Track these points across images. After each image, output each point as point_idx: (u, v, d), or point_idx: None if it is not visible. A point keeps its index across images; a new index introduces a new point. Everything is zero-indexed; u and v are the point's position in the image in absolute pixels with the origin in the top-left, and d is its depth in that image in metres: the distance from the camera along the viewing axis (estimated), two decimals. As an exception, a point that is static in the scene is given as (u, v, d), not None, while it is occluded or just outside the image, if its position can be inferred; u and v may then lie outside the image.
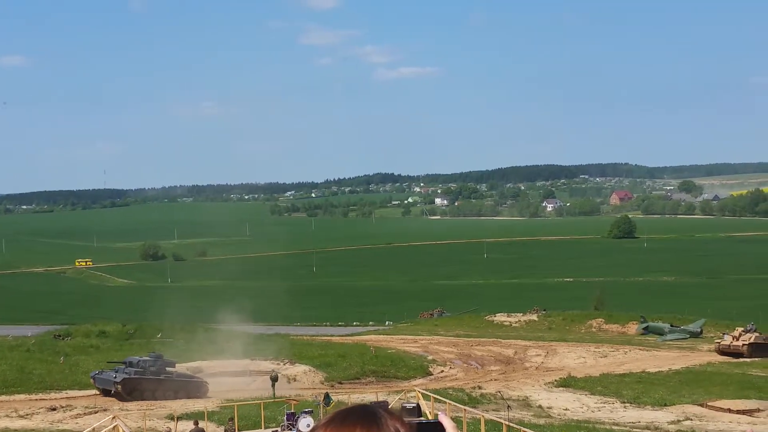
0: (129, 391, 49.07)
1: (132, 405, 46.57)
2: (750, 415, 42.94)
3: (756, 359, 65.66)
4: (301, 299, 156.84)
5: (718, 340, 71.75)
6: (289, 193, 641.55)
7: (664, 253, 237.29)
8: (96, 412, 43.27)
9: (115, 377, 49.15)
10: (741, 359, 65.36)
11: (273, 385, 49.65)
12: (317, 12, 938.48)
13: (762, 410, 43.40)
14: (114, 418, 35.42)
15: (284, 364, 57.58)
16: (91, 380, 51.15)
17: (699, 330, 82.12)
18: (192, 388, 50.72)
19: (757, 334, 69.65)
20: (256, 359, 59.91)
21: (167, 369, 51.00)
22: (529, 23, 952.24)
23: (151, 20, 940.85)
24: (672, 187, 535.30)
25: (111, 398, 48.30)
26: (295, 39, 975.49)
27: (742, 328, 71.40)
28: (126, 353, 58.61)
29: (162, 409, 44.49)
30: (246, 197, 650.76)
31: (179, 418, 38.98)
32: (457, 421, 35.82)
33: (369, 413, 2.67)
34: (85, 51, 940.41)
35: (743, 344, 68.06)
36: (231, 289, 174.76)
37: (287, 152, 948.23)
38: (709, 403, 45.01)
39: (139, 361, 50.86)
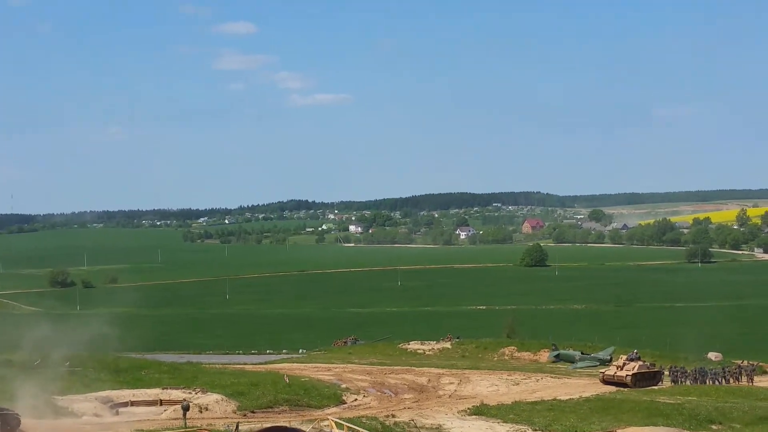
0: None
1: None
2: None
3: (641, 389, 65.89)
4: (213, 327, 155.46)
5: (602, 370, 71.55)
6: (202, 219, 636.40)
7: (574, 281, 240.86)
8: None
9: None
10: (627, 389, 65.38)
11: (184, 415, 48.93)
12: (231, 37, 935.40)
13: (669, 437, 44.16)
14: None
15: (196, 393, 56.75)
16: None
17: (609, 357, 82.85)
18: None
19: (640, 363, 69.17)
20: (168, 388, 59.02)
21: None
22: (438, 50, 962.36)
23: (60, 43, 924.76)
24: (582, 216, 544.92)
25: None
26: (208, 64, 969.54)
27: (626, 356, 71.15)
28: (31, 383, 57.09)
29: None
30: (158, 223, 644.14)
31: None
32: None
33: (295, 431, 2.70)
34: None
35: (627, 374, 67.51)
36: (143, 316, 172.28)
37: (200, 178, 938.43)
38: (618, 431, 45.63)
39: None
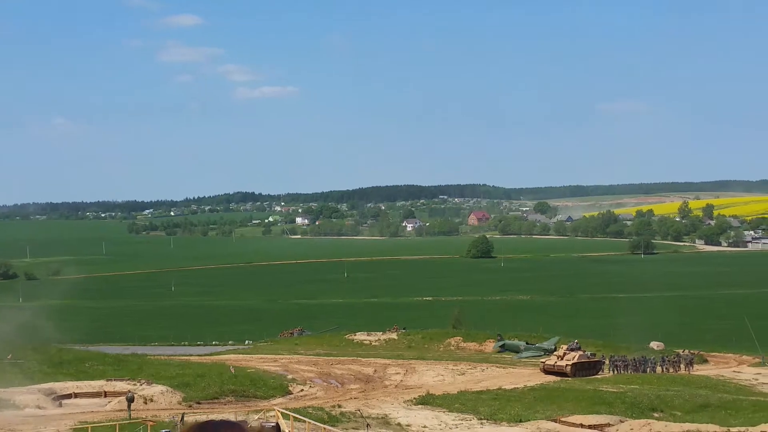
0: None
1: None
2: (601, 430, 44.21)
3: (583, 378, 66.48)
4: (158, 318, 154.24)
5: (543, 360, 72.20)
6: (148, 211, 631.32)
7: (520, 272, 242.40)
8: None
9: None
10: (566, 378, 65.76)
11: (129, 406, 48.65)
12: (178, 29, 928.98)
13: (612, 425, 44.75)
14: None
15: (141, 385, 56.41)
16: None
17: (553, 347, 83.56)
18: None
19: (581, 353, 69.98)
20: (112, 380, 58.58)
21: None
22: (385, 45, 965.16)
23: (3, 34, 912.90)
24: (528, 208, 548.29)
25: None
26: (154, 56, 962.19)
27: (566, 346, 72.03)
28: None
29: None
30: (103, 215, 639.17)
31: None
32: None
33: (235, 426, 2.64)
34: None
35: (567, 364, 68.19)
36: (87, 308, 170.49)
37: (146, 170, 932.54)
38: (562, 419, 46.13)
39: None
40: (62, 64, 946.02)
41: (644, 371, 71.11)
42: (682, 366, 74.25)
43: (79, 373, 60.33)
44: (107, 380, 58.51)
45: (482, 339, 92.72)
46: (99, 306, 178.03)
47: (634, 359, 73.44)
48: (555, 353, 71.89)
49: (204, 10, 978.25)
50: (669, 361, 74.55)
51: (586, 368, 69.20)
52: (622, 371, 71.30)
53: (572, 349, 70.17)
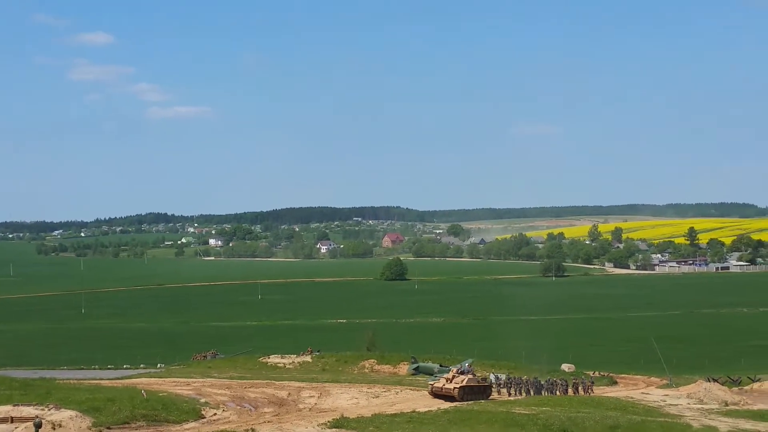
0: None
1: None
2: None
3: (477, 401, 65.66)
4: (68, 341, 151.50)
5: (431, 382, 70.40)
6: (57, 232, 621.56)
7: (433, 294, 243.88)
8: None
9: None
10: (455, 403, 64.27)
11: (37, 432, 47.67)
12: (89, 48, 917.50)
13: (524, 446, 45.26)
14: None
15: (49, 410, 55.26)
16: None
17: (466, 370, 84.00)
18: None
19: (470, 376, 68.48)
20: (19, 405, 57.32)
21: None
22: (299, 65, 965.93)
23: None
24: (441, 231, 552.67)
25: None
26: (64, 75, 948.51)
27: (456, 369, 70.77)
28: None
29: None
30: (10, 236, 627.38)
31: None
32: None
33: None
34: None
35: (454, 387, 66.56)
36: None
37: (55, 190, 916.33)
38: (475, 441, 46.49)
39: None
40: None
41: (538, 393, 71.60)
42: (580, 389, 74.93)
43: (-14, 399, 58.84)
44: (14, 405, 57.14)
45: (396, 361, 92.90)
46: (6, 329, 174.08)
47: (527, 381, 73.97)
48: (444, 376, 70.90)
49: (115, 28, 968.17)
50: (563, 384, 75.06)
51: (475, 392, 67.73)
52: (516, 393, 71.91)
53: (462, 372, 69.21)
